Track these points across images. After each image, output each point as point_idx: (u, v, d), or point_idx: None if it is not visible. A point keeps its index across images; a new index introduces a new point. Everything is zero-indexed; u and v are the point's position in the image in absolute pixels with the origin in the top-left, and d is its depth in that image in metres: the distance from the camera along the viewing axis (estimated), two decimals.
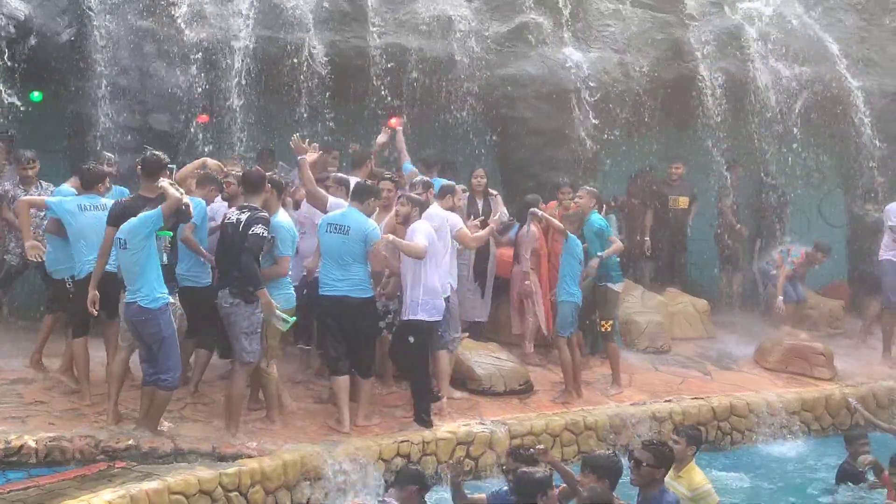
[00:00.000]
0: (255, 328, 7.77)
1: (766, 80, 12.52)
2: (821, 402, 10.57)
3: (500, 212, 10.14)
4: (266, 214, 7.85)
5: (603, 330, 9.99)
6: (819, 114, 12.91)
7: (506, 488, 6.55)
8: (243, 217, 7.81)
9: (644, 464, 6.02)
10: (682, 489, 6.59)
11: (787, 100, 12.67)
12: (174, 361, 7.60)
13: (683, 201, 12.58)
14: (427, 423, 8.46)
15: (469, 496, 6.71)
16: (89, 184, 8.31)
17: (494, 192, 10.71)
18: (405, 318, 8.43)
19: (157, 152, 8.10)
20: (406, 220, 8.59)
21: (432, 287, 8.41)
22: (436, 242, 8.51)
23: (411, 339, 8.40)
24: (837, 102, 12.95)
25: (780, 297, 12.05)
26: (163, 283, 7.53)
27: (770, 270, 12.41)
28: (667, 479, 7.06)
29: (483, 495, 6.71)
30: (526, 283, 10.20)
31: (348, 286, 8.24)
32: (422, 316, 8.36)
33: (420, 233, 8.37)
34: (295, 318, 7.92)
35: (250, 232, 7.64)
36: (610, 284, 9.95)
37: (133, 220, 7.41)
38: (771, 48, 12.76)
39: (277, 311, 7.69)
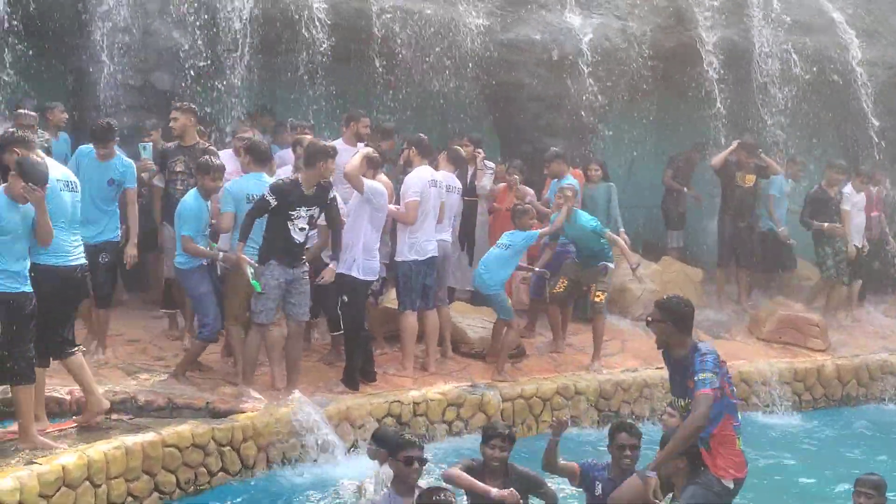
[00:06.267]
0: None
1: (768, 50, 12.49)
2: (813, 372, 10.68)
3: (481, 185, 10.16)
4: None
5: (597, 301, 9.76)
6: (821, 84, 12.89)
7: (600, 462, 6.30)
8: None
9: (650, 319, 5.71)
10: None
11: (789, 69, 12.64)
12: (210, 318, 8.10)
13: (750, 178, 11.96)
14: (354, 386, 8.43)
15: (561, 462, 6.24)
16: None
17: (490, 164, 10.74)
18: (339, 272, 8.37)
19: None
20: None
21: (370, 246, 8.44)
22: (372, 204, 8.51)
23: (344, 299, 8.45)
24: (840, 73, 12.92)
25: None
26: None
27: None
28: None
29: (575, 464, 6.28)
30: None
31: None
32: (355, 273, 8.39)
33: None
34: None
35: None
36: (607, 263, 9.83)
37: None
38: (774, 17, 12.70)
39: None
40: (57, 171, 6.74)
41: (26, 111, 8.88)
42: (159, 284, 9.56)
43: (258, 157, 8.35)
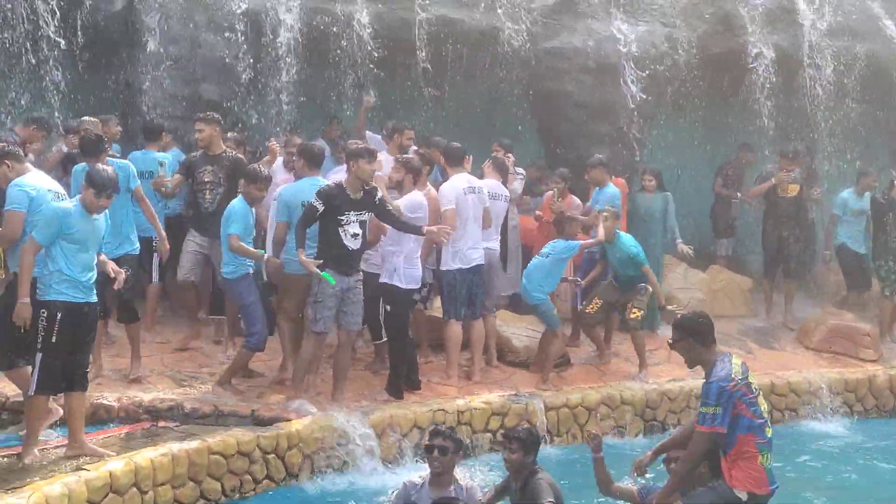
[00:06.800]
0: (317, 297, 7.82)
1: (817, 56, 12.31)
2: (864, 383, 10.51)
3: (512, 189, 10.09)
4: None
5: (633, 318, 9.66)
6: (872, 91, 12.68)
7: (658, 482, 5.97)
8: None
9: (671, 342, 5.60)
10: None
11: (839, 76, 12.45)
12: (257, 327, 8.13)
13: (793, 188, 11.73)
14: (398, 394, 8.43)
15: (617, 485, 5.98)
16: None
17: (520, 169, 10.68)
18: (382, 282, 8.42)
19: None
20: (399, 187, 8.67)
21: (411, 255, 8.40)
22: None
23: (388, 308, 8.46)
24: (892, 79, 12.70)
25: None
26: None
27: None
28: None
29: (633, 487, 5.98)
30: None
31: None
32: (396, 282, 8.38)
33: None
34: None
35: None
36: (645, 284, 9.67)
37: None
38: (824, 23, 12.52)
39: None
40: (48, 183, 6.86)
41: (90, 118, 9.14)
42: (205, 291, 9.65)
43: (312, 160, 8.38)
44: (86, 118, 9.16)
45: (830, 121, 12.47)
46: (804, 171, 11.98)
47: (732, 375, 5.36)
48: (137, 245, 8.24)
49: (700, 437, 5.40)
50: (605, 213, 9.63)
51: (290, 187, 8.36)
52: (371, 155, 7.94)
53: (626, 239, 9.69)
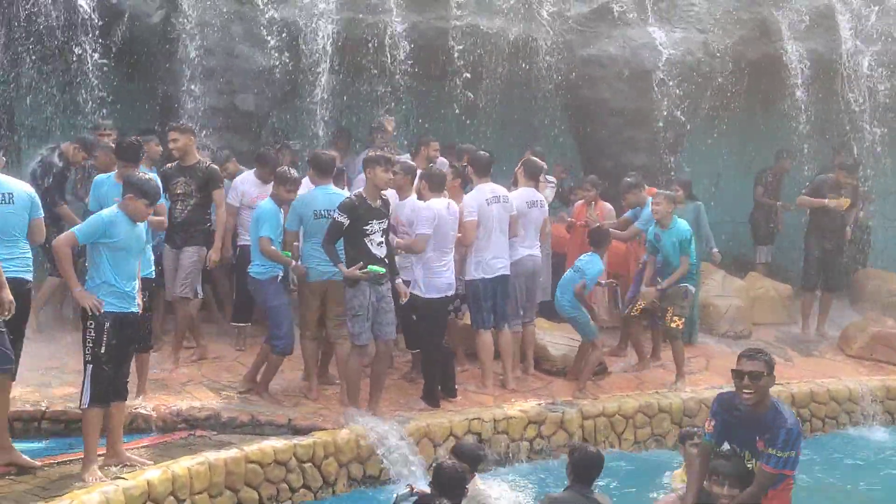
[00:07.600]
0: (356, 311, 7.81)
1: (857, 61, 12.17)
2: None
3: (544, 195, 10.01)
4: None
5: (674, 326, 9.49)
6: None
7: None
8: None
9: (764, 374, 5.45)
10: None
11: (879, 82, 12.30)
12: (284, 330, 8.12)
13: (846, 202, 11.48)
14: (435, 403, 8.42)
15: None
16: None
17: (551, 178, 10.62)
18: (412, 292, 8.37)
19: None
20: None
21: (430, 265, 8.37)
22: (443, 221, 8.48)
23: (413, 317, 8.46)
24: None
25: None
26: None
27: None
28: None
29: None
30: None
31: None
32: (417, 292, 8.35)
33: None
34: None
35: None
36: (689, 285, 9.57)
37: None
38: (863, 27, 12.38)
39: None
40: None
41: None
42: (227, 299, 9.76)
43: (320, 169, 8.37)
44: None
45: (872, 126, 12.31)
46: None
47: (797, 420, 5.54)
48: (153, 269, 7.78)
49: (769, 478, 5.46)
50: (657, 198, 9.50)
51: (302, 197, 8.35)
52: (387, 162, 7.93)
53: (682, 223, 9.57)
